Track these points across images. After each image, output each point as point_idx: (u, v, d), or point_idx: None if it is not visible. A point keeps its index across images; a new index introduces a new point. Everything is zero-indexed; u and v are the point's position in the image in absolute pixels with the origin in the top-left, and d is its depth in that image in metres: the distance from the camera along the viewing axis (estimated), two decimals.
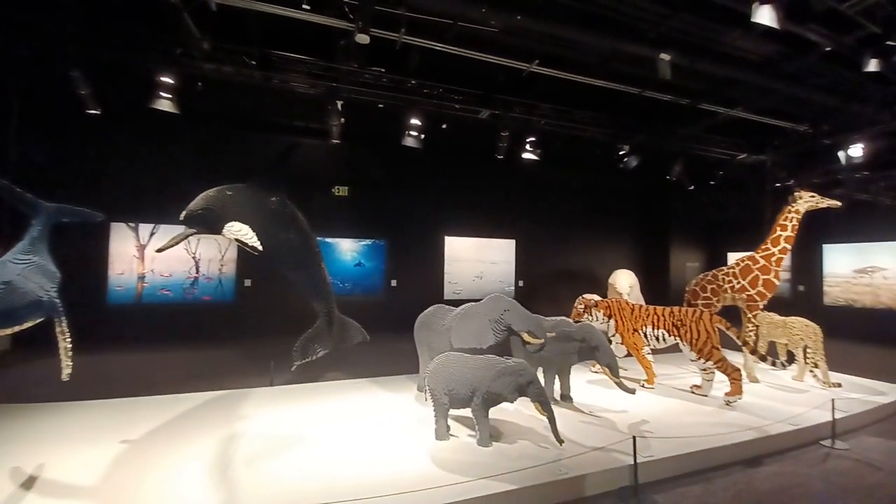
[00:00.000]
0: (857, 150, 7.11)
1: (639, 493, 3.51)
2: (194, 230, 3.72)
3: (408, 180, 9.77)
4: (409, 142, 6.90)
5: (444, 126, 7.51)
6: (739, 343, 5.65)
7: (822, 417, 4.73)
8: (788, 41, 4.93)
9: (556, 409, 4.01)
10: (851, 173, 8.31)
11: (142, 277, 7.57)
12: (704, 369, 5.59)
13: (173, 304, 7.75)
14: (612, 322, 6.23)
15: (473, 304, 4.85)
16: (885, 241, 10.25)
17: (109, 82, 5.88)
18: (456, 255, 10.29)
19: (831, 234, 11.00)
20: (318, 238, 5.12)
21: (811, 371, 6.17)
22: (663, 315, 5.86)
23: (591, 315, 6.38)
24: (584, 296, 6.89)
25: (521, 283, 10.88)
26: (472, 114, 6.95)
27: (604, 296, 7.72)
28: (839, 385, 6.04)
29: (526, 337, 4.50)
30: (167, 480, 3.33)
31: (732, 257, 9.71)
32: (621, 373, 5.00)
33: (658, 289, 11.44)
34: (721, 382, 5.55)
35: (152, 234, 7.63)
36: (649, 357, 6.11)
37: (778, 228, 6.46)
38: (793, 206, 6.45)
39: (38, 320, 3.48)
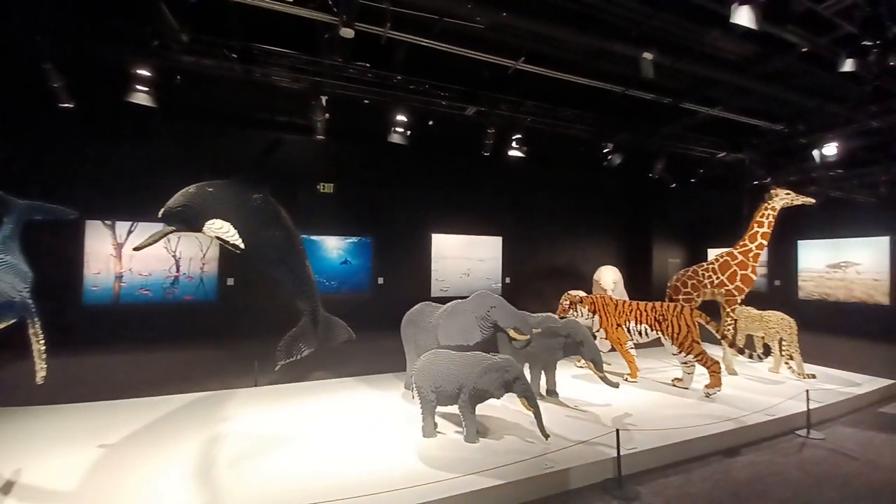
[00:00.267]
0: (831, 149, 7.34)
1: (622, 485, 3.58)
2: (173, 228, 3.63)
3: (394, 177, 9.71)
4: (396, 138, 6.84)
5: (430, 122, 7.47)
6: (718, 336, 5.80)
7: (797, 408, 4.90)
8: (766, 42, 5.04)
9: (541, 404, 4.06)
10: (825, 171, 8.58)
11: (119, 277, 7.35)
12: (685, 362, 5.73)
13: (153, 305, 7.55)
14: (596, 318, 6.33)
15: (460, 301, 4.86)
16: (858, 237, 10.63)
17: (83, 75, 5.67)
18: (443, 253, 10.28)
19: (806, 230, 11.36)
20: (304, 235, 5.05)
21: (786, 363, 6.38)
22: (646, 310, 5.98)
23: (577, 311, 6.47)
24: (569, 292, 6.98)
25: (508, 280, 10.95)
26: (458, 110, 6.93)
27: (589, 292, 7.83)
28: (813, 376, 6.27)
29: (512, 333, 4.53)
30: (147, 484, 3.26)
31: (712, 253, 9.94)
32: (605, 367, 5.09)
33: (641, 284, 11.65)
34: (701, 375, 5.70)
35: (130, 232, 7.40)
36: (632, 351, 6.23)
37: (755, 225, 6.65)
38: (769, 204, 6.65)
39: (10, 322, 3.35)
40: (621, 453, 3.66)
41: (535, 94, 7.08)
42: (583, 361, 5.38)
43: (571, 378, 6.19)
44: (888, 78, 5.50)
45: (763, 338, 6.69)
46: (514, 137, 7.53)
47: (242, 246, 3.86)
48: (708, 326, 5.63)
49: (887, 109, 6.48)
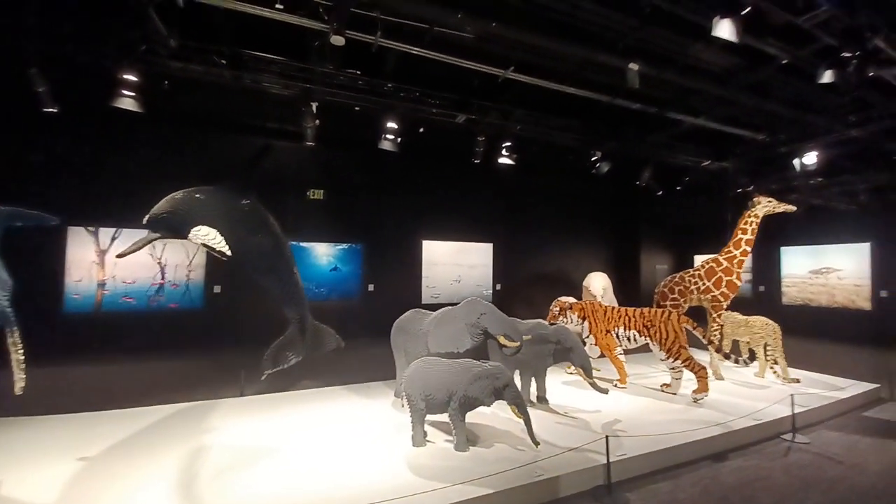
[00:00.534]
0: (811, 158, 7.54)
1: (612, 492, 3.58)
2: (158, 235, 3.58)
3: (385, 184, 9.71)
4: (386, 145, 6.86)
5: (421, 130, 7.51)
6: (705, 342, 5.88)
7: (782, 412, 4.97)
8: (748, 54, 5.19)
9: (531, 411, 4.06)
10: (806, 180, 8.80)
11: (102, 285, 7.18)
12: (673, 368, 5.78)
13: (137, 313, 7.39)
14: (586, 324, 6.36)
15: (450, 308, 4.85)
16: (839, 243, 10.91)
17: (68, 79, 5.59)
18: (434, 259, 10.28)
19: (789, 237, 11.62)
20: (293, 242, 5.00)
21: (771, 367, 6.48)
22: (634, 316, 6.03)
23: (567, 317, 6.50)
24: (559, 298, 7.01)
25: (498, 287, 10.97)
26: (448, 118, 6.98)
27: (579, 298, 7.88)
28: (798, 381, 6.37)
29: (502, 340, 4.53)
30: (128, 498, 3.17)
31: (699, 260, 10.10)
32: (595, 373, 5.11)
33: (630, 290, 11.77)
34: (689, 380, 5.75)
35: (114, 238, 7.26)
36: (621, 357, 6.27)
37: (739, 232, 6.79)
38: (752, 211, 6.80)
39: None
40: (611, 460, 3.67)
41: (524, 103, 7.17)
42: (573, 368, 5.39)
43: (561, 384, 6.20)
44: (866, 88, 5.69)
45: (748, 343, 6.80)
46: (504, 145, 7.61)
47: (229, 253, 3.81)
48: (695, 332, 5.70)
49: (865, 119, 6.70)
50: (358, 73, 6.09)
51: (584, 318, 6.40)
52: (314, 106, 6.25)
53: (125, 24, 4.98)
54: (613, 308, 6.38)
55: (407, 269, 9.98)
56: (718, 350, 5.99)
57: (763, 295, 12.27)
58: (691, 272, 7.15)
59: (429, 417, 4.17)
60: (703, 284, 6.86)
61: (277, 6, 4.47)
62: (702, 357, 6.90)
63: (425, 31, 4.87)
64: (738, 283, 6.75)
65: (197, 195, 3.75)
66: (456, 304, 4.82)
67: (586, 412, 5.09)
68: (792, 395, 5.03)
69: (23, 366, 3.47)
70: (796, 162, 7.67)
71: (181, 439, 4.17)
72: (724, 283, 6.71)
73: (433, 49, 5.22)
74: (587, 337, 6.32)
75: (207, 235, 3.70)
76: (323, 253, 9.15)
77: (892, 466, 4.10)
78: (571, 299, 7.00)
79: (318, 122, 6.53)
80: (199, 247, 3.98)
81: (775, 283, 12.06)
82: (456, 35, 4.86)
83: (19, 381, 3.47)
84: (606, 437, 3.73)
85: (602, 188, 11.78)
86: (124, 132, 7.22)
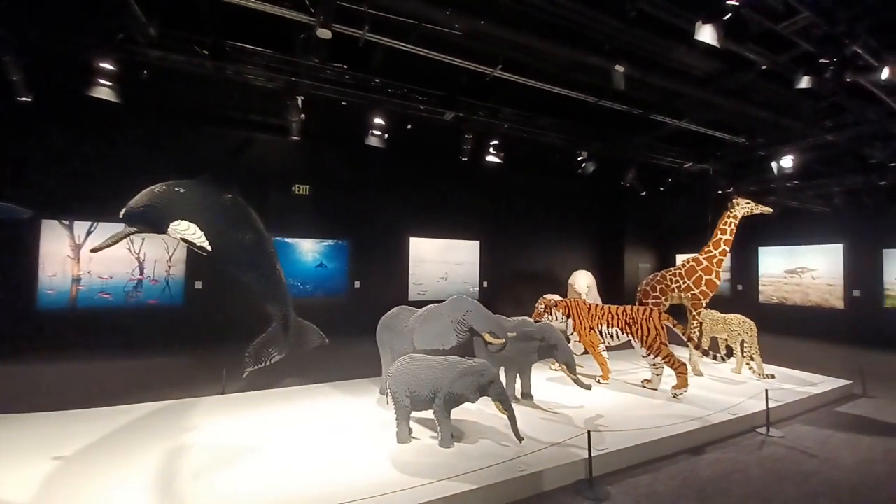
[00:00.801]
0: (788, 161, 7.77)
1: (594, 486, 3.65)
2: (135, 229, 3.48)
3: (372, 180, 9.65)
4: (373, 141, 6.81)
5: (408, 126, 7.47)
6: (685, 339, 6.01)
7: (757, 407, 5.12)
8: (729, 59, 5.31)
9: (516, 408, 4.09)
10: (783, 182, 9.07)
11: (77, 280, 6.98)
12: (654, 364, 5.90)
13: (114, 309, 7.20)
14: (570, 321, 6.45)
15: (436, 305, 4.86)
16: (814, 244, 11.30)
17: (43, 67, 5.39)
18: (421, 256, 10.27)
19: (766, 237, 11.99)
20: (278, 238, 4.94)
21: (748, 364, 6.67)
22: (617, 314, 6.13)
23: (552, 314, 6.58)
24: (545, 296, 7.09)
25: (485, 284, 11.03)
26: (436, 115, 6.96)
27: (564, 296, 7.98)
28: (773, 376, 6.57)
29: (487, 337, 4.56)
30: (104, 498, 3.09)
31: (681, 259, 10.33)
32: (578, 369, 5.19)
33: (614, 288, 11.97)
34: (669, 376, 5.88)
35: (89, 232, 7.05)
36: (604, 354, 6.37)
37: (718, 232, 6.96)
38: (731, 212, 6.98)
39: None
40: (593, 454, 3.73)
41: (512, 102, 7.20)
42: (557, 364, 5.46)
43: (546, 381, 6.27)
44: (842, 94, 5.89)
45: (726, 340, 6.98)
46: (491, 143, 7.63)
47: (209, 248, 3.73)
48: (675, 329, 5.83)
49: (840, 124, 6.93)
50: (345, 67, 6.02)
51: (568, 316, 6.48)
52: (299, 100, 6.16)
53: (102, 10, 4.82)
54: (597, 306, 6.48)
55: (394, 266, 9.95)
56: (697, 347, 6.14)
57: (741, 293, 12.64)
58: (672, 271, 7.30)
59: (414, 414, 4.18)
60: (684, 283, 7.02)
61: None
62: (681, 353, 7.08)
63: (413, 26, 4.84)
64: (718, 282, 6.92)
65: (177, 188, 3.66)
66: (442, 301, 4.83)
67: (570, 408, 5.17)
68: (766, 390, 5.19)
69: None
70: (774, 165, 7.89)
71: (160, 438, 4.08)
72: (703, 282, 6.88)
73: (421, 45, 5.20)
74: (571, 334, 6.41)
75: (187, 230, 3.61)
76: (309, 249, 9.05)
77: (865, 461, 4.25)
78: (556, 297, 7.08)
79: (303, 116, 6.43)
80: (178, 242, 3.89)
81: (753, 282, 12.44)
82: (444, 32, 4.85)
83: None
84: (588, 432, 3.79)
85: (588, 188, 11.95)
86: (101, 123, 7.01)
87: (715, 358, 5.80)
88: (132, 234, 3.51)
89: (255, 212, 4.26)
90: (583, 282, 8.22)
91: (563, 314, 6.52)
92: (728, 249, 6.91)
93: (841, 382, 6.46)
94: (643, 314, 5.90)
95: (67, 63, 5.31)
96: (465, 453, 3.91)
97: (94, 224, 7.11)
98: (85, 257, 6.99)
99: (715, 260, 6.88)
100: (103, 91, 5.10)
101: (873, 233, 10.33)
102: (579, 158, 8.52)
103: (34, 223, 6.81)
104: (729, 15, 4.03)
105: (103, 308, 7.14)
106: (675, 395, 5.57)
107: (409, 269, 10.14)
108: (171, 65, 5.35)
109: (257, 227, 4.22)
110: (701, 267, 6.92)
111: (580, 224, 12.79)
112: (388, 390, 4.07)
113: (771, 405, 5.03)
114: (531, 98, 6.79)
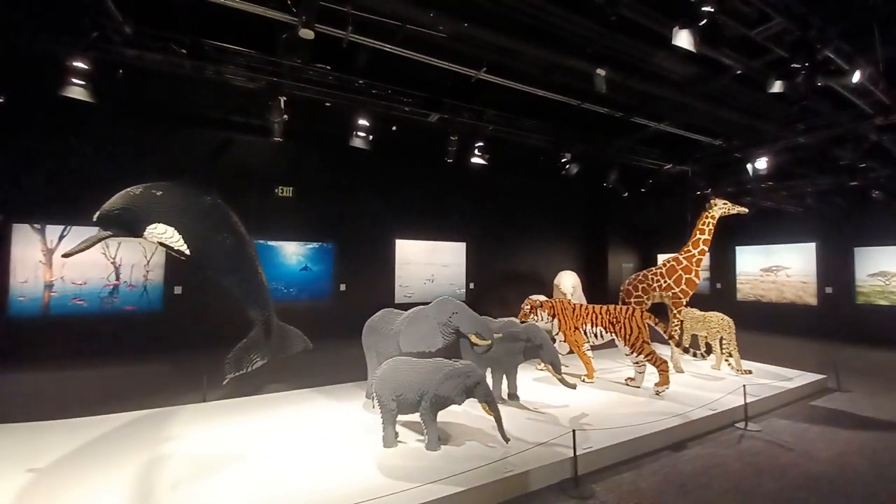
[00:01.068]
0: (762, 163, 8.02)
1: (579, 485, 3.69)
2: (110, 233, 3.37)
3: (357, 182, 9.57)
4: (358, 143, 6.76)
5: (393, 128, 7.45)
6: (666, 337, 6.14)
7: (736, 402, 5.25)
8: (705, 63, 5.46)
9: (502, 408, 4.11)
10: (758, 183, 9.35)
11: (49, 286, 6.73)
12: (637, 362, 6.01)
13: (89, 315, 6.97)
14: (555, 321, 6.51)
15: (421, 307, 4.84)
16: (788, 243, 11.68)
17: (14, 66, 5.20)
18: (407, 259, 10.24)
19: (742, 237, 12.35)
20: (261, 241, 4.85)
21: (726, 360, 6.85)
22: (600, 313, 6.22)
23: (538, 315, 6.63)
24: (530, 297, 7.14)
25: (472, 286, 11.05)
26: (421, 117, 6.96)
27: (550, 296, 8.06)
28: (750, 372, 6.75)
29: (474, 339, 4.56)
30: None
31: (662, 258, 10.57)
32: (564, 369, 5.24)
33: (598, 288, 12.15)
34: (652, 374, 5.99)
35: (62, 236, 6.81)
36: (589, 353, 6.46)
37: (697, 232, 7.14)
38: (709, 212, 7.17)
39: None
40: (578, 453, 3.77)
41: (496, 104, 7.25)
42: (543, 365, 5.50)
43: (532, 381, 6.31)
44: (813, 98, 6.10)
45: (706, 337, 7.16)
46: (476, 145, 7.66)
47: (187, 252, 3.64)
48: (657, 328, 5.94)
49: (812, 127, 7.18)
50: (328, 68, 5.96)
51: (553, 316, 6.54)
52: (282, 100, 6.07)
53: (76, 7, 4.66)
54: (581, 305, 6.56)
55: (380, 269, 9.89)
56: (678, 344, 6.27)
57: (720, 292, 12.98)
58: (654, 270, 7.45)
59: (400, 417, 4.15)
60: (665, 282, 7.17)
61: None
62: (663, 351, 7.22)
63: (398, 28, 4.83)
64: (697, 281, 7.09)
65: (154, 191, 3.56)
66: (429, 303, 4.82)
67: (555, 407, 5.21)
68: (744, 385, 5.33)
69: None
70: (749, 167, 8.13)
71: (138, 449, 3.96)
72: (684, 281, 7.04)
73: (406, 47, 5.19)
74: (557, 334, 6.47)
75: (164, 234, 3.51)
76: (293, 252, 8.92)
77: (841, 453, 4.40)
78: (542, 297, 7.14)
79: (286, 117, 6.34)
80: (156, 246, 3.79)
81: (731, 281, 12.79)
82: (429, 34, 4.85)
83: None
84: (574, 430, 3.83)
85: (572, 189, 12.09)
86: (74, 123, 6.79)
87: (695, 355, 5.94)
88: (106, 237, 3.40)
89: (235, 215, 4.18)
90: (568, 282, 8.32)
91: (548, 314, 6.58)
92: (707, 249, 7.08)
93: (815, 377, 6.67)
94: (626, 313, 6.00)
95: (39, 61, 5.12)
96: (452, 456, 3.90)
97: (67, 228, 6.87)
98: (57, 262, 6.75)
99: (694, 259, 7.05)
100: (77, 90, 4.94)
101: (845, 232, 10.73)
102: (563, 160, 8.62)
103: (4, 227, 6.54)
104: (705, 21, 4.14)
105: (78, 315, 6.90)
106: (657, 393, 5.67)
107: (396, 272, 10.09)
108: (148, 64, 5.22)
109: (238, 230, 4.13)
110: (681, 266, 7.08)
111: (565, 225, 12.93)
112: (375, 394, 4.04)
113: (749, 400, 5.17)
114: (515, 100, 6.85)
